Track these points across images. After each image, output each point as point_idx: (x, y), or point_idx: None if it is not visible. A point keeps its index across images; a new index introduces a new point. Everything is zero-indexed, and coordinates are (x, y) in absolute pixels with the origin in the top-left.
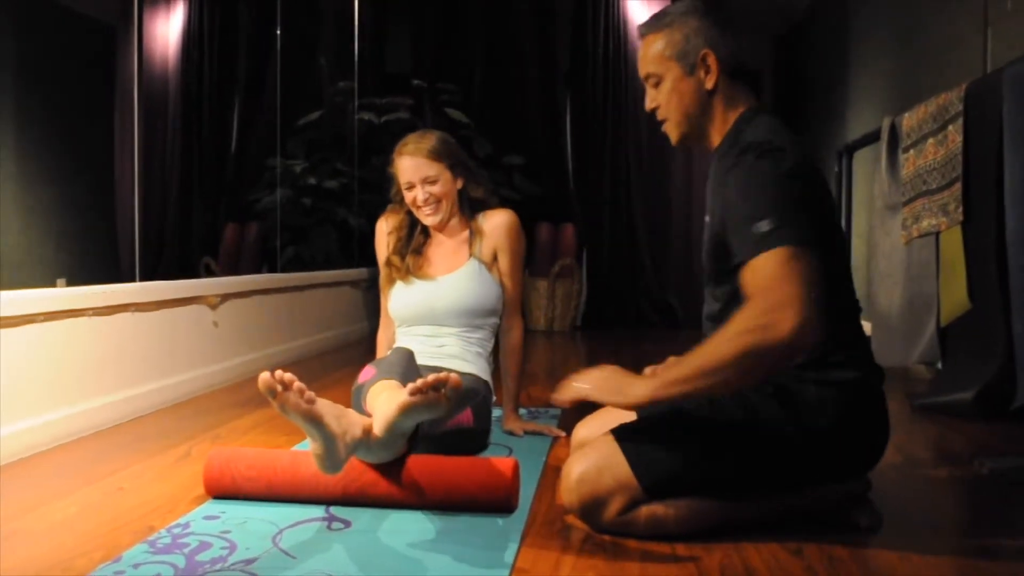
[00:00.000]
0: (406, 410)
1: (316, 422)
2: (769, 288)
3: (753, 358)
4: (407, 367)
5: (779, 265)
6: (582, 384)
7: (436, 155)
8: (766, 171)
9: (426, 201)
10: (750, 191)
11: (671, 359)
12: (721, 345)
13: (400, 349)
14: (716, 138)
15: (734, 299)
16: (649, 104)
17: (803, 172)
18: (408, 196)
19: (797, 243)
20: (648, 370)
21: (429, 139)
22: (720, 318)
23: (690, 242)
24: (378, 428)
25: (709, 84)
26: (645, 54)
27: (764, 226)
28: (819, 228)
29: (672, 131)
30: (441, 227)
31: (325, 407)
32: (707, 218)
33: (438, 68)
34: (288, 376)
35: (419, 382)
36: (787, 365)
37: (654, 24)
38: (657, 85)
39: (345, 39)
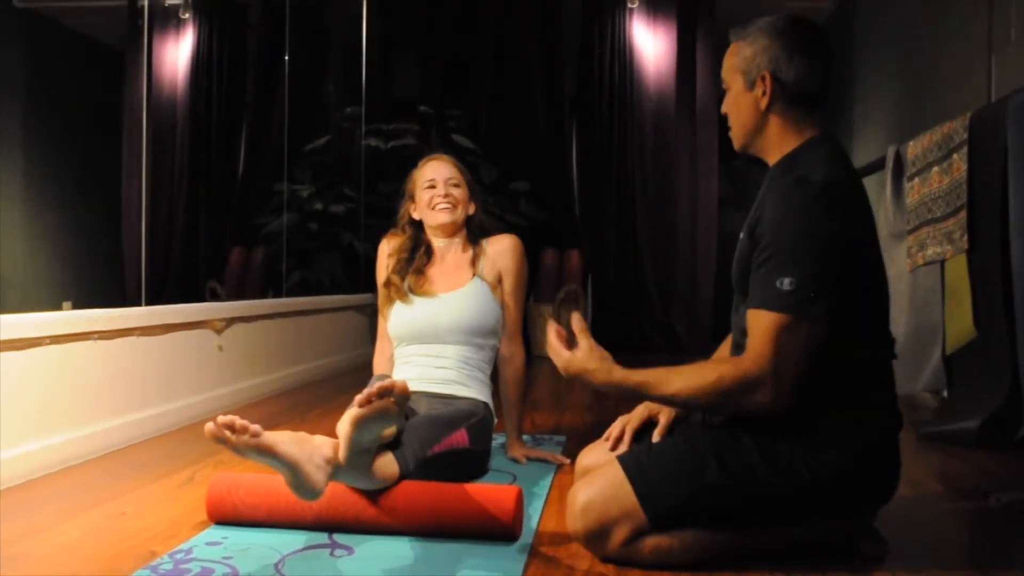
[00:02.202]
0: (359, 423)
1: (268, 454)
2: (762, 354)
3: (723, 408)
4: None
5: (782, 331)
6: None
7: (461, 171)
8: (808, 222)
9: (445, 197)
10: (785, 240)
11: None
12: (701, 381)
13: (379, 377)
14: (773, 157)
15: None
16: (722, 108)
17: (846, 221)
18: (426, 195)
19: (806, 314)
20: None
21: (455, 160)
22: None
23: (695, 268)
24: (341, 449)
25: (762, 105)
26: (724, 60)
27: (786, 285)
28: (848, 283)
29: (733, 138)
30: (450, 231)
31: (278, 436)
32: (741, 235)
33: (445, 94)
34: (230, 418)
35: (365, 392)
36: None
37: (738, 33)
38: (726, 92)
39: (353, 65)
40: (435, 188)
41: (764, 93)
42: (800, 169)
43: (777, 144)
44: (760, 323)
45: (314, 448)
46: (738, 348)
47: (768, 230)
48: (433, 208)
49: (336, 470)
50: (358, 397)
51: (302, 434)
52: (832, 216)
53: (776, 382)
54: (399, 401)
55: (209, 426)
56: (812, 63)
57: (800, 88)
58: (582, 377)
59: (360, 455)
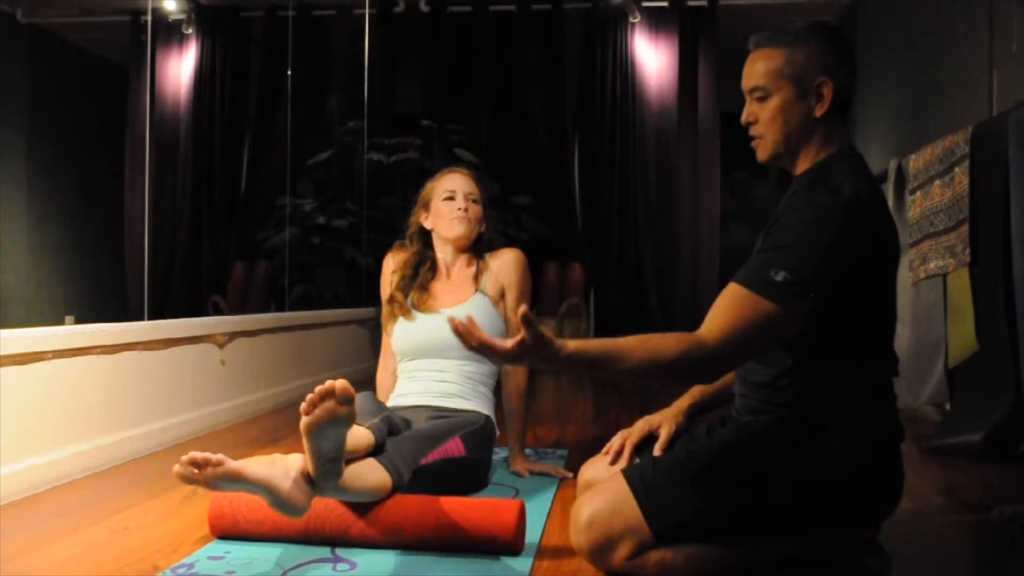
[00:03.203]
0: (310, 430)
1: (238, 480)
2: (728, 332)
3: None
4: (371, 406)
5: (757, 316)
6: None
7: (480, 187)
8: (824, 228)
9: (464, 211)
10: (797, 237)
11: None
12: (662, 359)
13: (362, 394)
14: (802, 167)
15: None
16: (746, 118)
17: (865, 239)
18: (444, 206)
19: (788, 308)
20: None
21: (475, 175)
22: (772, 386)
23: (698, 282)
24: (307, 463)
25: (819, 113)
26: (756, 67)
27: (780, 276)
28: (856, 299)
29: (765, 149)
30: (462, 245)
31: (246, 462)
32: (756, 245)
33: (447, 109)
34: (192, 455)
35: (308, 397)
36: None
37: (774, 38)
38: (762, 100)
39: (355, 80)
40: (454, 200)
41: (820, 101)
42: (832, 181)
43: (813, 153)
44: (736, 299)
45: (287, 465)
46: None
47: (783, 224)
48: (450, 220)
49: (314, 485)
50: (302, 406)
51: (274, 455)
52: (850, 231)
53: (728, 362)
54: (342, 401)
55: (176, 468)
56: (854, 69)
57: (847, 95)
58: (533, 360)
59: (328, 465)
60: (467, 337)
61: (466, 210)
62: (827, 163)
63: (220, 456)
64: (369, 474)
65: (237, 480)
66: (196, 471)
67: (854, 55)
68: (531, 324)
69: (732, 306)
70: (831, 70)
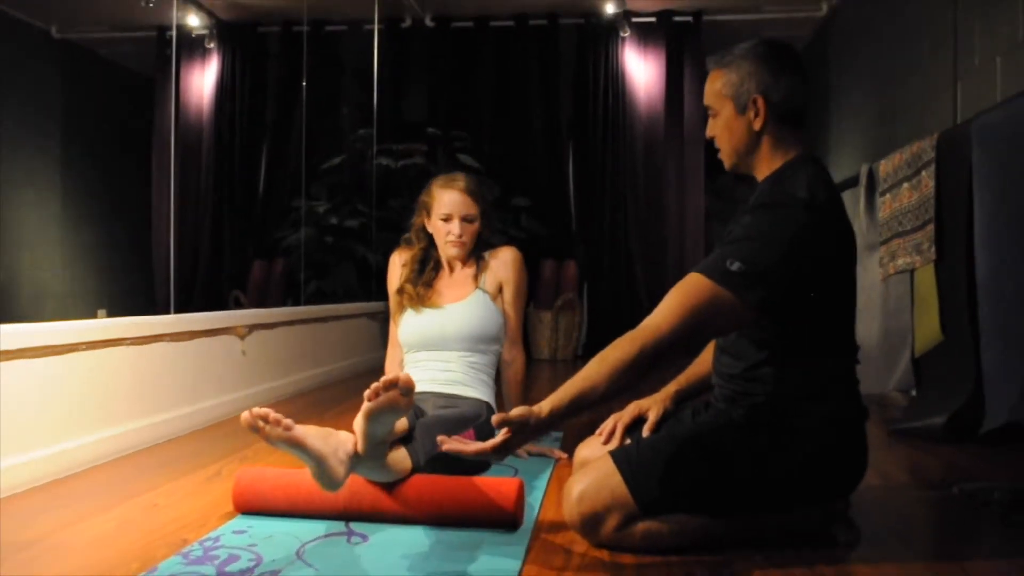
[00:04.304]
0: (370, 415)
1: (298, 446)
2: (677, 314)
3: (642, 377)
4: None
5: (708, 301)
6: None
7: (478, 199)
8: (780, 229)
9: (459, 235)
10: (753, 234)
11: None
12: (625, 365)
13: None
14: (763, 173)
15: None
16: (708, 133)
17: (820, 241)
18: (442, 227)
19: (740, 296)
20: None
21: (475, 183)
22: (744, 377)
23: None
24: (358, 442)
25: (756, 126)
26: (708, 88)
27: (734, 267)
28: (818, 297)
29: (725, 160)
30: (458, 258)
31: (308, 431)
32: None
33: (451, 117)
34: (264, 411)
35: (372, 386)
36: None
37: (719, 61)
38: (714, 117)
39: (365, 90)
40: (449, 223)
41: (757, 115)
42: (789, 185)
43: (767, 161)
44: (693, 286)
45: (339, 443)
46: (720, 351)
47: (742, 223)
48: (445, 243)
49: (355, 462)
50: (367, 392)
51: (328, 429)
52: (805, 230)
53: (683, 343)
54: (404, 392)
55: (244, 415)
56: (796, 81)
57: (789, 106)
58: (526, 439)
59: (376, 447)
60: (464, 452)
61: (460, 235)
62: (784, 169)
63: (290, 421)
64: (400, 460)
65: (296, 447)
66: (263, 424)
67: (797, 69)
68: (508, 421)
69: (689, 291)
70: (765, 86)
